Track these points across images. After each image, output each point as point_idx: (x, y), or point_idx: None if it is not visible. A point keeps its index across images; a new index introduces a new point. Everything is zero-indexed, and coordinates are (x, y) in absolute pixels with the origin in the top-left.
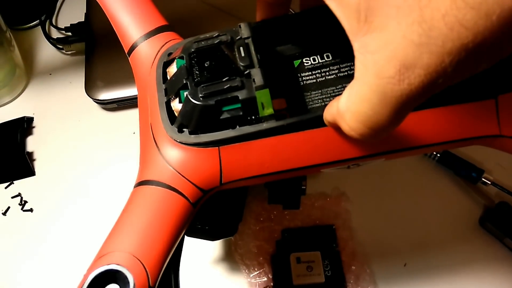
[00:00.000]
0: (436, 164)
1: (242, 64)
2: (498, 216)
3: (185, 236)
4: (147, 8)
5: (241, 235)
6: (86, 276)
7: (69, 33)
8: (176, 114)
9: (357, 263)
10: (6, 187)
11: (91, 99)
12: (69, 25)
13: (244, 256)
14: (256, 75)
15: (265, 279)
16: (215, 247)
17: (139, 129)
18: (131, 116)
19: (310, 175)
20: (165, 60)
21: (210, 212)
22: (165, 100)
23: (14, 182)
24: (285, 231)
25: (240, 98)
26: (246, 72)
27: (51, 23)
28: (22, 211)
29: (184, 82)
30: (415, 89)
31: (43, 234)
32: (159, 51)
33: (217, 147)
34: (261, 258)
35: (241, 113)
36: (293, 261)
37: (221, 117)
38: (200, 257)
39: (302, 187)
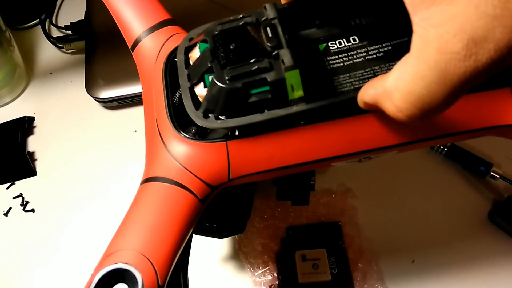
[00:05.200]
0: (444, 158)
1: (269, 44)
2: (508, 210)
3: (193, 234)
4: (150, 2)
5: (245, 233)
6: (93, 276)
7: (69, 32)
8: (200, 99)
9: (364, 260)
10: (7, 188)
11: (92, 98)
12: (69, 24)
13: (248, 254)
14: (285, 55)
15: (270, 277)
16: (220, 245)
17: (144, 125)
18: (133, 114)
19: (316, 171)
20: (186, 46)
21: (218, 209)
22: (189, 85)
23: (15, 182)
24: (290, 229)
25: (268, 80)
26: (274, 53)
27: (51, 22)
28: (23, 211)
29: (209, 65)
30: (481, 66)
31: (45, 234)
32: (163, 45)
33: (225, 141)
34: (265, 256)
35: (269, 96)
36: (299, 259)
37: (248, 101)
38: (206, 256)
39: (311, 183)
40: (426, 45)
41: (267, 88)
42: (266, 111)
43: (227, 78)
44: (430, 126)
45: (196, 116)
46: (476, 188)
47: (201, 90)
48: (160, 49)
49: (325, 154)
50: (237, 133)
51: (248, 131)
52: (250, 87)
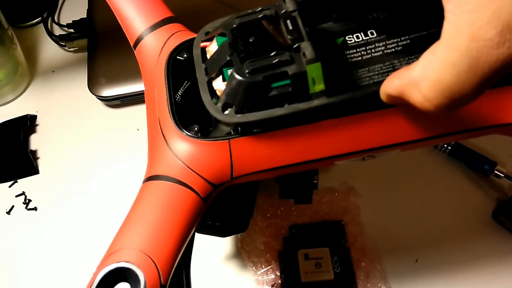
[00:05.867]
0: (447, 157)
1: (290, 37)
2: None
3: (196, 233)
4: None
5: (248, 232)
6: (95, 275)
7: (72, 30)
8: (218, 94)
9: (367, 260)
10: (10, 186)
11: (94, 96)
12: (71, 22)
13: (251, 253)
14: (307, 48)
15: (273, 276)
16: (222, 244)
17: (147, 123)
18: (135, 112)
19: (319, 169)
20: (203, 39)
21: (220, 208)
22: (206, 79)
23: (18, 180)
24: (292, 227)
25: (290, 73)
26: (295, 46)
27: (53, 20)
28: (26, 209)
29: (228, 59)
30: None
31: (48, 233)
32: (165, 43)
33: (228, 140)
34: (268, 255)
35: (290, 90)
36: (301, 258)
37: (269, 94)
38: (208, 254)
39: (314, 181)
40: (458, 32)
41: (288, 81)
42: (286, 105)
43: (247, 71)
44: (434, 125)
45: (214, 111)
46: (480, 187)
47: (218, 85)
48: (162, 47)
49: (328, 153)
50: (240, 131)
51: (255, 128)
52: (271, 81)
